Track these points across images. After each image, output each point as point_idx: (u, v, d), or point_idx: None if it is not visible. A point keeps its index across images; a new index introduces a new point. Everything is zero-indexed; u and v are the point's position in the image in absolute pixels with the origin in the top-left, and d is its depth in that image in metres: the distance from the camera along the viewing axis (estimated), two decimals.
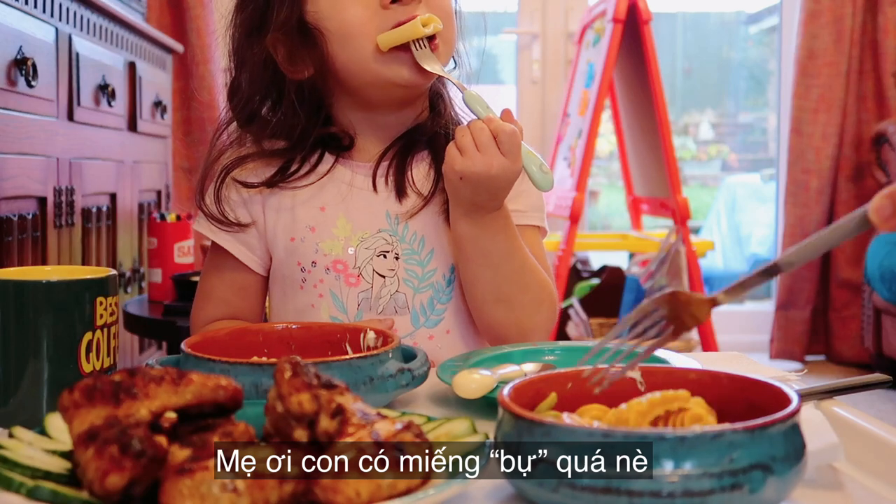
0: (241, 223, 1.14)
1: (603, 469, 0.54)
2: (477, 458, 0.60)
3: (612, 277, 3.41)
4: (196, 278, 2.06)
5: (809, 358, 3.83)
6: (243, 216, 1.15)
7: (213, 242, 1.17)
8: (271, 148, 1.15)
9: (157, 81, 2.79)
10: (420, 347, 1.10)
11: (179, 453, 0.58)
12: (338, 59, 1.09)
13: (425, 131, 1.15)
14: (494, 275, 1.08)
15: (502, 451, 0.60)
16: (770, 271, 0.65)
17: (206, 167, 1.17)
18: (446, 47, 1.10)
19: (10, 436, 0.64)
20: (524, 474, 0.58)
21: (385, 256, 1.12)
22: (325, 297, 1.12)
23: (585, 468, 0.55)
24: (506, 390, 0.64)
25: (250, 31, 1.12)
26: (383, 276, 1.12)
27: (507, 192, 1.06)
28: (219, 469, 0.54)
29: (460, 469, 0.59)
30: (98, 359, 0.84)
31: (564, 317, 3.43)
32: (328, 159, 1.15)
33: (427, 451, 0.58)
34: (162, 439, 0.58)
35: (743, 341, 3.86)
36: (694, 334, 3.22)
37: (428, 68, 1.05)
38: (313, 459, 0.56)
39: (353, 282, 1.12)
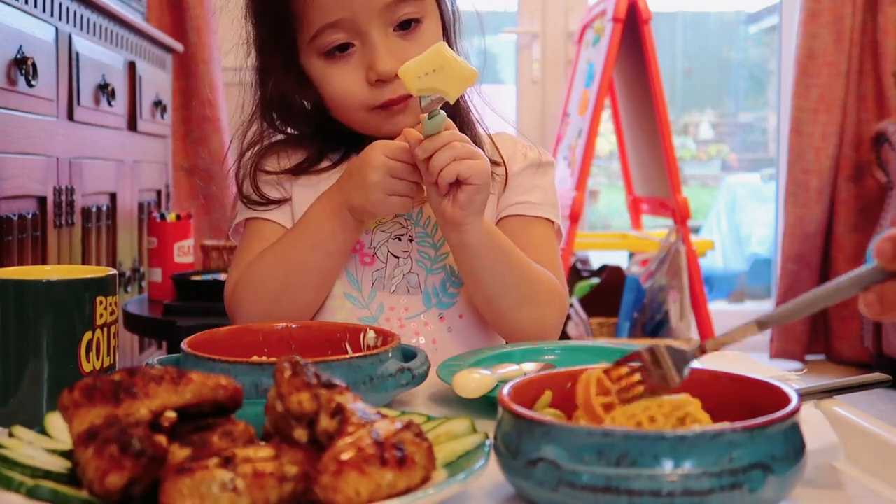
0: (279, 200, 1.17)
1: (603, 468, 0.54)
2: (477, 458, 0.60)
3: (612, 277, 3.41)
4: (196, 277, 2.07)
5: (809, 357, 3.83)
6: (281, 193, 1.18)
7: (247, 224, 1.19)
8: (293, 135, 1.21)
9: (157, 81, 2.79)
10: (431, 329, 1.13)
11: (179, 453, 0.58)
12: (335, 112, 1.15)
13: None
14: (513, 280, 1.09)
15: (502, 451, 0.60)
16: (759, 325, 0.65)
17: (237, 162, 1.20)
18: None
19: (11, 435, 0.64)
20: (524, 474, 0.58)
21: (400, 239, 1.16)
22: (340, 276, 1.15)
23: (585, 467, 0.55)
24: (505, 390, 0.64)
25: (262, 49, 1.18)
26: (397, 257, 1.16)
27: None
28: (218, 469, 0.54)
29: (460, 468, 0.59)
30: (98, 358, 0.84)
31: None
32: (346, 153, 1.20)
33: (427, 451, 0.58)
34: (162, 439, 0.58)
35: (743, 341, 3.85)
36: (694, 334, 3.22)
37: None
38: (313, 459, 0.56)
39: (367, 261, 1.15)
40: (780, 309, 0.64)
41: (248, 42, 1.18)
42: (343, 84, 1.10)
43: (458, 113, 1.17)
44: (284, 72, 1.14)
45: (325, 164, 1.18)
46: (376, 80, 1.08)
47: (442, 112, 1.00)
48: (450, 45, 1.17)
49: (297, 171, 1.18)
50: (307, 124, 1.20)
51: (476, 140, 1.17)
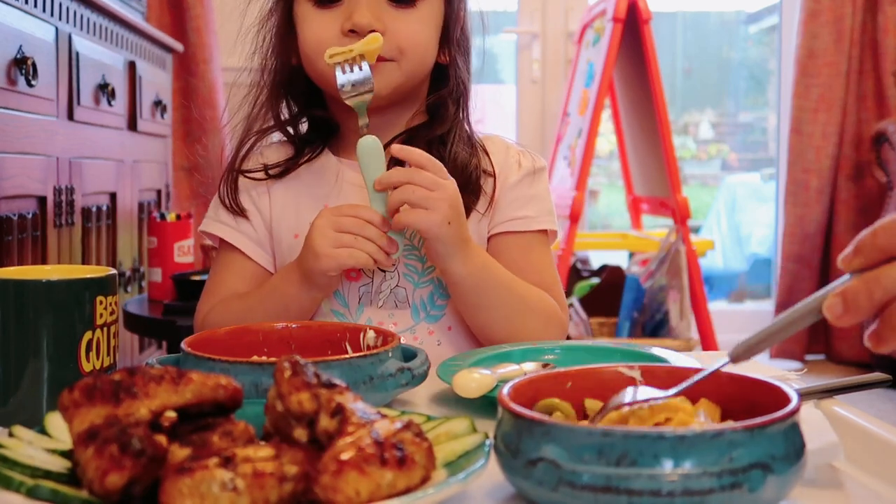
0: (244, 211, 1.18)
1: (603, 468, 0.54)
2: (477, 458, 0.60)
3: (612, 277, 3.40)
4: (196, 277, 2.07)
5: (809, 357, 3.83)
6: (247, 205, 1.18)
7: (222, 243, 1.18)
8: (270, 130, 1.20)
9: (157, 81, 2.79)
10: (420, 343, 1.11)
11: (179, 452, 0.58)
12: (305, 62, 1.14)
13: (422, 136, 1.15)
14: (505, 312, 1.09)
15: (502, 451, 0.60)
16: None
17: (231, 159, 1.21)
18: (399, 73, 1.11)
19: (11, 435, 0.64)
20: (524, 473, 0.58)
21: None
22: None
23: (585, 467, 0.55)
24: (505, 389, 0.64)
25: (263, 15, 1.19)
26: (384, 272, 1.14)
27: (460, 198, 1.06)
28: (218, 469, 0.54)
29: (460, 468, 0.59)
30: (98, 358, 0.84)
31: None
32: (322, 149, 1.20)
33: (427, 451, 0.58)
34: (162, 438, 0.58)
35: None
36: (694, 334, 3.22)
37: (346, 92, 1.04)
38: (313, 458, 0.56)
39: (353, 276, 1.14)
40: (737, 345, 0.64)
41: None
42: (318, 28, 1.10)
43: (452, 127, 1.16)
44: (280, 20, 1.15)
45: (302, 159, 1.19)
46: (349, 30, 1.08)
47: (372, 137, 1.03)
48: (448, 39, 1.17)
49: (279, 174, 1.18)
50: (300, 105, 1.20)
51: (463, 156, 1.15)
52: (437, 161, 1.05)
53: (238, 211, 1.17)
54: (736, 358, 0.64)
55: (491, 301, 1.08)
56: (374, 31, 1.07)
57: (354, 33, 1.07)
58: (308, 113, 1.20)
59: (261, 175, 1.18)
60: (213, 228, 1.19)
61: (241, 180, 1.19)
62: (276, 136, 1.22)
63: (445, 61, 1.18)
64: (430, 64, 1.15)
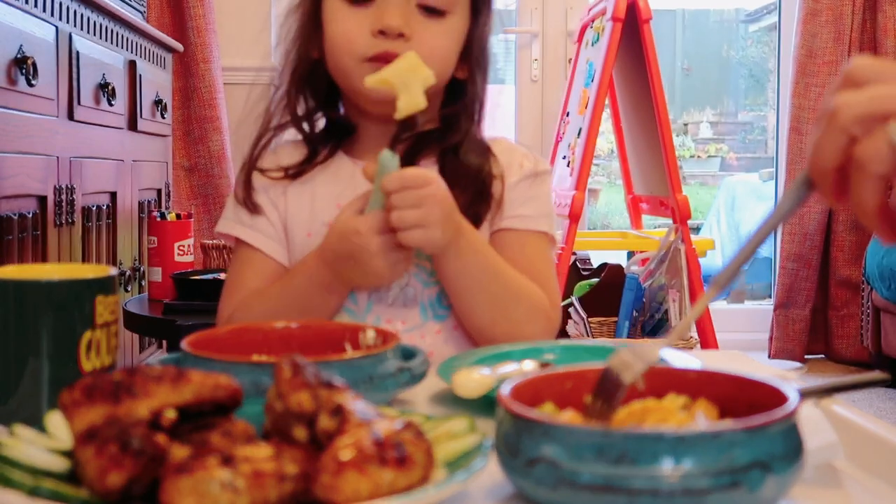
0: (259, 208, 1.18)
1: (602, 467, 0.54)
2: (476, 457, 0.61)
3: (612, 276, 3.40)
4: (196, 277, 2.07)
5: (809, 357, 3.83)
6: (264, 202, 1.18)
7: (239, 241, 1.20)
8: (288, 131, 1.21)
9: (158, 80, 2.79)
10: (424, 342, 1.13)
11: (179, 452, 0.58)
12: (329, 58, 1.15)
13: (432, 144, 1.16)
14: (488, 297, 1.10)
15: (502, 450, 0.60)
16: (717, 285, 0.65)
17: (247, 158, 1.22)
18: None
19: (11, 434, 0.65)
20: (524, 473, 0.58)
21: None
22: None
23: (584, 467, 0.55)
24: (505, 389, 0.64)
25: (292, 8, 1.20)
26: None
27: (450, 197, 1.07)
28: (218, 468, 0.54)
29: (460, 468, 0.60)
30: (98, 357, 0.84)
31: (564, 315, 3.42)
32: (336, 150, 1.21)
33: (426, 450, 0.58)
34: (161, 438, 0.58)
35: (742, 340, 3.86)
36: (693, 333, 3.22)
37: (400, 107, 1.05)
38: (313, 458, 0.56)
39: None
40: (730, 261, 0.64)
41: None
42: (348, 26, 1.11)
43: (465, 138, 1.17)
44: (307, 12, 1.16)
45: (317, 161, 1.19)
46: (379, 31, 1.09)
47: (388, 152, 1.02)
48: (469, 55, 1.17)
49: (295, 174, 1.18)
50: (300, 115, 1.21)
51: (475, 164, 1.16)
52: (413, 171, 1.05)
53: (253, 207, 1.18)
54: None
55: (478, 284, 1.09)
56: (402, 34, 1.09)
57: (383, 35, 1.09)
58: (325, 112, 1.20)
59: (278, 174, 1.19)
60: (230, 229, 1.20)
61: (259, 179, 1.19)
62: (288, 135, 1.23)
63: (463, 77, 1.18)
64: (446, 77, 1.16)
